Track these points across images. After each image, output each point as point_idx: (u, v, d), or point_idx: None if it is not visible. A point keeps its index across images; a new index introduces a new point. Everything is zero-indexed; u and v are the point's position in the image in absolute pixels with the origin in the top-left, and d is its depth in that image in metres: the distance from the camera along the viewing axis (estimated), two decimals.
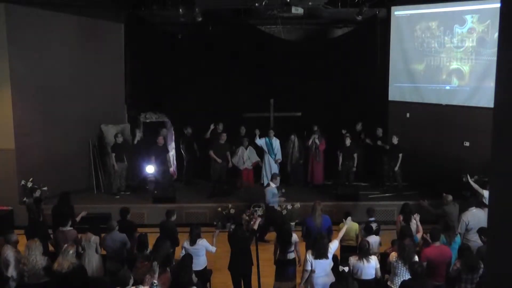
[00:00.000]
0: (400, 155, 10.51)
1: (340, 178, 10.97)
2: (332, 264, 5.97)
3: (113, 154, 10.74)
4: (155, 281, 5.43)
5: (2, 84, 9.73)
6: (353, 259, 6.07)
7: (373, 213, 7.56)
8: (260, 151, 11.45)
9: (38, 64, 10.13)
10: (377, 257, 6.39)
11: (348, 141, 10.79)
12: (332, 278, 5.83)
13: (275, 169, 11.54)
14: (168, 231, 7.19)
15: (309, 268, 5.86)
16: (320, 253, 5.86)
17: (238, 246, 6.58)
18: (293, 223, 9.08)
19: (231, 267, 6.61)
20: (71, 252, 5.95)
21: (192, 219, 9.80)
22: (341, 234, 6.52)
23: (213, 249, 6.77)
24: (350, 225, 7.19)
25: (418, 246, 6.61)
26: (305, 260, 5.95)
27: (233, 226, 7.37)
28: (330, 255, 5.93)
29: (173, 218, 7.46)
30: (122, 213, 7.56)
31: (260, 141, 11.33)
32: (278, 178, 9.11)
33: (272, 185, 8.98)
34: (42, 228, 7.42)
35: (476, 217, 7.01)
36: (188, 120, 11.79)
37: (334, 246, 6.09)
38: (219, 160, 10.61)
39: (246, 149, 11.31)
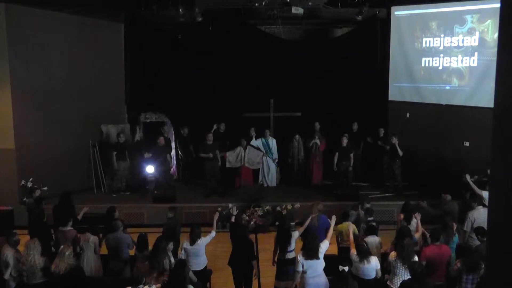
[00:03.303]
0: (401, 155, 10.50)
1: (338, 178, 10.97)
2: (323, 264, 5.93)
3: (114, 153, 10.74)
4: (165, 278, 5.44)
5: (2, 84, 9.73)
6: (354, 257, 6.04)
7: (372, 212, 7.53)
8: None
9: (38, 64, 10.13)
10: (378, 257, 6.36)
11: (345, 141, 10.79)
12: (324, 278, 5.83)
13: (274, 168, 11.54)
14: (169, 230, 7.20)
15: (300, 269, 5.84)
16: (311, 254, 5.84)
17: (238, 246, 6.61)
18: (293, 223, 9.06)
19: (232, 264, 6.62)
20: (67, 253, 5.93)
21: (192, 219, 9.78)
22: (329, 234, 6.44)
23: (212, 233, 6.81)
24: (342, 226, 7.15)
25: (417, 245, 6.59)
26: (297, 261, 5.94)
27: (235, 212, 7.30)
28: (321, 255, 5.89)
29: (171, 215, 7.53)
30: (109, 212, 7.58)
31: (257, 142, 11.32)
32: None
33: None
34: (45, 228, 7.42)
35: (483, 216, 6.97)
36: (187, 120, 11.80)
37: (324, 246, 6.04)
38: (209, 155, 10.59)
39: (245, 149, 11.30)
